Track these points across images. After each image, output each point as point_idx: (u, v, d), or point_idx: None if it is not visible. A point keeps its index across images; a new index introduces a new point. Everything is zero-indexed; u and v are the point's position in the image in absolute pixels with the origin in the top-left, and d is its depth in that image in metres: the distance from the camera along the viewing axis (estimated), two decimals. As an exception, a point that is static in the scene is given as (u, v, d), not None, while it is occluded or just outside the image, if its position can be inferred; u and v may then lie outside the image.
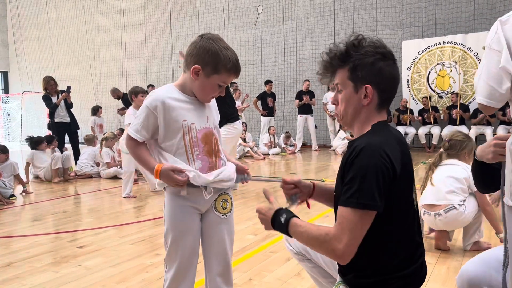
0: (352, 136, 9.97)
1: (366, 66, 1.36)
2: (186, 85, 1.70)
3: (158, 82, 13.99)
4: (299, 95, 10.91)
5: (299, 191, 1.62)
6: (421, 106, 10.34)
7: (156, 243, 3.37)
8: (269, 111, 11.08)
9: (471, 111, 9.60)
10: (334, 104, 1.49)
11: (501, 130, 8.86)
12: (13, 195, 5.36)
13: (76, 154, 7.87)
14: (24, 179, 6.13)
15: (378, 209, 1.25)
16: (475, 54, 9.84)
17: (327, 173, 7.04)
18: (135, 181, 6.60)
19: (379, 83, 1.37)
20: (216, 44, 1.63)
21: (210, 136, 1.73)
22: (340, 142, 9.93)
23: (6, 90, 18.54)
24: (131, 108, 5.43)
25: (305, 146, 11.70)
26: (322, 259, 1.71)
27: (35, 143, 6.93)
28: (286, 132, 11.25)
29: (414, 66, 10.52)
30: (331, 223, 1.51)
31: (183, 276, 1.72)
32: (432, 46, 10.38)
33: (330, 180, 6.28)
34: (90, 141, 7.70)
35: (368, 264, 1.35)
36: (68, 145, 7.95)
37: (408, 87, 10.50)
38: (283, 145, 10.86)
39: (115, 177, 7.05)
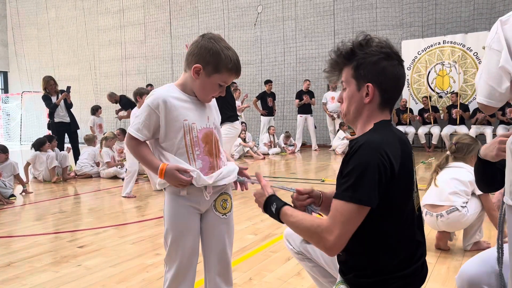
0: (352, 135, 9.99)
1: (369, 64, 1.37)
2: (187, 85, 1.70)
3: (158, 82, 13.98)
4: (299, 95, 10.91)
5: (314, 201, 1.59)
6: (420, 105, 10.34)
7: (156, 243, 3.37)
8: (269, 111, 11.08)
9: (471, 110, 9.60)
10: (339, 102, 1.50)
11: (500, 130, 8.86)
12: (13, 195, 5.36)
13: (76, 154, 7.86)
14: (24, 179, 6.13)
15: (372, 205, 1.26)
16: (475, 54, 9.84)
17: (326, 173, 7.04)
18: (135, 181, 6.60)
19: (381, 82, 1.38)
20: (217, 43, 1.63)
21: (211, 136, 1.73)
22: (339, 142, 9.93)
23: (5, 90, 18.53)
24: (135, 108, 5.44)
25: (305, 146, 11.70)
26: (322, 259, 1.71)
27: (38, 144, 6.89)
28: (286, 132, 11.25)
29: (414, 66, 10.52)
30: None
31: (183, 276, 1.72)
32: (432, 46, 10.38)
33: (330, 180, 6.28)
34: (90, 141, 7.69)
35: (368, 264, 1.35)
36: (68, 145, 7.94)
37: (408, 87, 10.50)
38: (283, 145, 10.86)
39: (115, 177, 7.05)
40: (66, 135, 7.92)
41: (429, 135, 10.14)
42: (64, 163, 6.98)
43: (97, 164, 7.38)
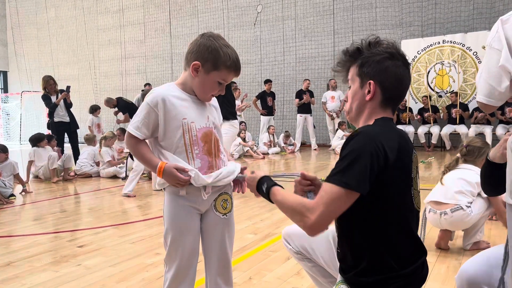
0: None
1: (372, 63, 1.41)
2: (187, 83, 1.70)
3: (158, 82, 13.98)
4: (299, 94, 10.91)
5: (314, 189, 1.59)
6: (420, 105, 10.35)
7: (156, 243, 3.37)
8: (268, 111, 11.08)
9: (471, 110, 9.61)
10: (345, 101, 1.54)
11: (500, 130, 8.87)
12: (12, 195, 5.36)
13: (76, 153, 7.86)
14: (24, 178, 6.13)
15: (360, 191, 1.26)
16: (475, 53, 9.84)
17: (326, 173, 7.02)
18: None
19: (383, 80, 1.40)
20: (216, 41, 1.64)
21: (210, 135, 1.73)
22: (339, 141, 9.94)
23: (5, 89, 18.52)
24: None
25: (305, 146, 11.70)
26: (322, 259, 1.70)
27: (36, 140, 6.92)
28: (286, 131, 11.25)
29: (414, 66, 10.52)
30: (332, 223, 1.52)
31: (183, 276, 1.72)
32: (431, 45, 10.39)
33: (330, 180, 6.28)
34: (90, 140, 7.69)
35: (368, 262, 1.35)
36: (67, 145, 7.94)
37: (408, 86, 10.50)
38: (282, 145, 10.86)
39: (114, 177, 7.05)
40: (66, 135, 7.92)
41: (428, 134, 10.15)
42: (67, 164, 6.98)
43: (97, 164, 7.38)
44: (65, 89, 7.88)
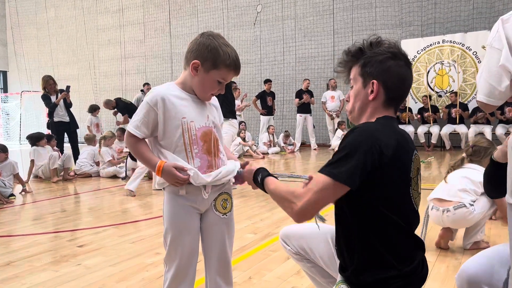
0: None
1: (375, 63, 1.42)
2: (187, 82, 1.70)
3: (157, 81, 13.98)
4: (299, 94, 10.91)
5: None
6: (420, 105, 10.35)
7: (155, 242, 3.37)
8: (268, 110, 11.08)
9: (470, 110, 9.61)
10: (347, 100, 1.55)
11: (499, 129, 8.87)
12: (12, 194, 5.36)
13: (76, 153, 7.86)
14: (24, 178, 6.13)
15: (349, 185, 1.29)
16: (474, 53, 9.84)
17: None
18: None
19: (386, 80, 1.41)
20: (216, 40, 1.64)
21: (210, 134, 1.72)
22: (338, 141, 9.92)
23: (5, 89, 18.52)
24: None
25: (304, 145, 11.70)
26: (321, 259, 1.69)
27: (35, 139, 6.93)
28: (285, 131, 11.25)
29: (413, 65, 10.52)
30: (331, 222, 1.52)
31: (183, 276, 1.71)
32: (431, 45, 10.39)
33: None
34: (90, 140, 7.69)
35: (368, 261, 1.36)
36: (67, 145, 7.94)
37: (408, 86, 10.51)
38: (282, 144, 10.86)
39: (114, 176, 7.05)
40: (65, 135, 7.92)
41: (428, 134, 10.15)
42: (67, 163, 6.98)
43: (97, 164, 7.38)
44: (64, 89, 7.87)
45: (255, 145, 10.36)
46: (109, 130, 8.70)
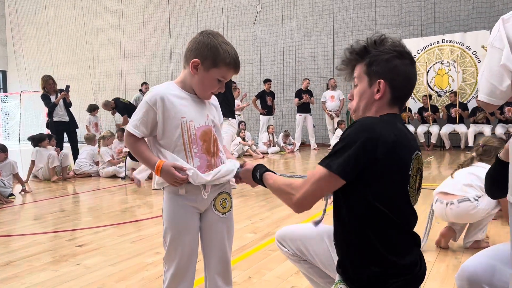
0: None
1: (381, 62, 1.41)
2: (186, 82, 1.70)
3: (157, 81, 13.97)
4: (299, 94, 10.91)
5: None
6: (419, 104, 10.35)
7: (155, 242, 3.37)
8: (268, 110, 11.08)
9: (470, 109, 9.61)
10: (350, 99, 1.54)
11: (499, 129, 8.88)
12: (12, 194, 5.36)
13: (75, 153, 7.86)
14: (24, 178, 6.12)
15: (342, 176, 1.32)
16: (474, 53, 9.84)
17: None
18: (134, 180, 6.60)
19: (392, 79, 1.41)
20: (215, 38, 1.63)
21: (209, 134, 1.72)
22: (337, 140, 9.94)
23: (4, 89, 18.51)
24: None
25: (304, 145, 11.70)
26: (318, 259, 1.68)
27: (38, 140, 6.90)
28: (285, 131, 11.25)
29: (414, 65, 10.52)
30: (330, 222, 1.52)
31: (183, 275, 1.71)
32: (431, 44, 10.39)
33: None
34: (90, 139, 7.67)
35: (366, 259, 1.36)
36: (66, 144, 7.94)
37: (407, 85, 10.51)
38: (282, 144, 10.86)
39: (114, 176, 7.05)
40: (65, 134, 7.92)
41: (428, 134, 10.15)
42: (64, 162, 6.97)
43: (96, 163, 7.37)
44: (64, 89, 7.87)
45: (254, 145, 10.36)
46: (108, 129, 8.69)
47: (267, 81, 11.14)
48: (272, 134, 10.79)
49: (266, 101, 11.02)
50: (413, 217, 1.44)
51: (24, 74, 17.33)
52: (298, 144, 11.03)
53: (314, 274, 1.76)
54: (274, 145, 10.74)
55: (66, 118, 7.85)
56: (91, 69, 16.19)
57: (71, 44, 16.64)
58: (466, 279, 1.54)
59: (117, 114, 9.79)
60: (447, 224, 3.08)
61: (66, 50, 16.75)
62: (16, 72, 17.80)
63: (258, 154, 9.80)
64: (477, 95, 1.44)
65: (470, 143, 9.26)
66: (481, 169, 2.93)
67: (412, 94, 10.50)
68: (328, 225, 1.78)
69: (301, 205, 1.41)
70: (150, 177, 6.74)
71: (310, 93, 10.88)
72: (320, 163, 1.37)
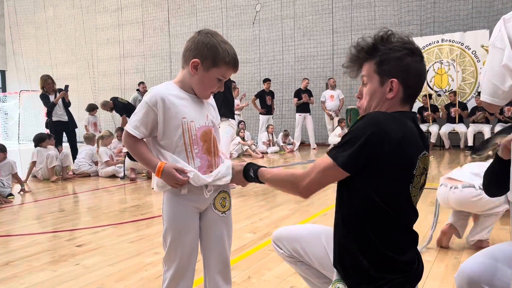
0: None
1: (393, 60, 1.38)
2: (185, 81, 1.69)
3: (156, 81, 13.97)
4: (298, 94, 10.91)
5: None
6: (419, 104, 10.34)
7: (154, 242, 3.36)
8: (267, 110, 11.08)
9: (469, 109, 9.62)
10: (358, 97, 1.51)
11: (498, 129, 8.87)
12: (11, 194, 5.35)
13: (74, 153, 7.85)
14: (23, 178, 6.11)
15: (344, 168, 1.34)
16: (473, 52, 9.84)
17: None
18: (133, 179, 6.60)
19: (405, 78, 1.39)
20: (214, 38, 1.63)
21: (210, 134, 1.72)
22: (336, 139, 9.94)
23: (3, 89, 18.49)
24: None
25: (304, 145, 11.70)
26: (316, 260, 1.67)
27: (38, 140, 6.89)
28: (285, 130, 11.25)
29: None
30: (330, 222, 1.51)
31: (182, 275, 1.71)
32: (430, 44, 10.39)
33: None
34: (89, 139, 7.66)
35: (363, 255, 1.36)
36: (66, 144, 7.93)
37: (407, 85, 10.51)
38: (281, 144, 10.86)
39: (113, 176, 7.04)
40: (64, 134, 7.91)
41: (427, 133, 10.15)
42: (65, 162, 6.96)
43: (95, 163, 7.36)
44: (63, 88, 7.86)
45: (254, 145, 10.35)
46: (107, 129, 8.68)
47: (266, 80, 11.14)
48: (272, 134, 10.79)
49: (265, 100, 11.01)
50: (414, 216, 1.44)
51: (23, 74, 17.31)
52: (297, 143, 11.03)
53: (311, 275, 1.75)
54: (273, 145, 10.73)
55: (65, 118, 7.85)
56: (90, 68, 16.18)
57: (70, 43, 16.63)
58: (465, 279, 1.54)
59: (116, 114, 9.79)
60: (448, 222, 3.08)
61: (65, 50, 16.73)
62: (15, 72, 17.79)
63: (257, 154, 9.80)
64: (476, 95, 1.44)
65: (470, 143, 9.26)
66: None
67: (412, 94, 10.55)
68: (324, 225, 1.78)
69: (308, 191, 1.44)
70: (149, 177, 6.75)
71: (309, 93, 10.88)
72: (328, 153, 1.38)
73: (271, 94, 11.21)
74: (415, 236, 1.44)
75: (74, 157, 7.68)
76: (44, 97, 7.71)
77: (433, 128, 9.88)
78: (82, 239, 3.52)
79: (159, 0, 14.62)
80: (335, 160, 1.35)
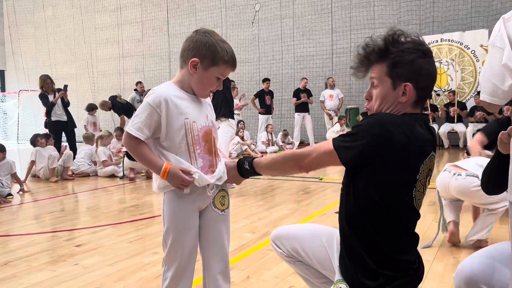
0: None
1: (406, 63, 1.36)
2: (185, 81, 1.69)
3: (155, 80, 13.97)
4: (297, 93, 10.90)
5: None
6: (418, 103, 10.35)
7: (153, 242, 3.36)
8: (266, 109, 11.07)
9: (468, 108, 9.62)
10: (367, 99, 1.48)
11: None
12: (10, 194, 5.35)
13: (73, 152, 7.84)
14: (22, 178, 6.11)
15: (342, 160, 1.36)
16: (472, 52, 9.85)
17: (324, 171, 7.04)
18: (132, 179, 6.59)
19: (418, 80, 1.37)
20: (212, 37, 1.63)
21: (210, 134, 1.72)
22: (333, 135, 9.94)
23: (2, 88, 18.47)
24: None
25: (303, 144, 11.69)
26: (316, 260, 1.66)
27: (31, 141, 6.91)
28: (284, 130, 11.25)
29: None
30: (329, 222, 1.51)
31: (182, 275, 1.71)
32: (429, 43, 10.38)
33: (328, 178, 6.29)
34: (89, 139, 7.65)
35: (365, 255, 1.36)
36: (65, 144, 7.92)
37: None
38: (280, 143, 10.85)
39: (112, 176, 7.04)
40: (63, 134, 7.90)
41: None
42: (67, 163, 6.94)
43: (94, 163, 7.35)
44: (62, 88, 7.86)
45: (253, 144, 10.35)
46: (106, 129, 8.67)
47: (265, 80, 11.13)
48: (271, 134, 10.79)
49: (264, 100, 11.01)
50: (416, 218, 1.44)
51: (22, 74, 17.29)
52: (296, 143, 11.02)
53: (310, 275, 1.74)
54: (273, 145, 10.73)
55: (64, 118, 7.84)
56: (89, 68, 16.16)
57: (69, 43, 16.61)
58: (463, 278, 1.53)
59: (116, 114, 9.79)
60: (449, 220, 3.09)
61: (64, 50, 16.72)
62: (14, 72, 17.77)
63: (257, 154, 9.80)
64: (475, 94, 1.44)
65: (469, 142, 9.26)
66: None
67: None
68: (324, 225, 1.78)
69: (309, 168, 1.48)
70: (148, 177, 6.75)
71: (308, 92, 10.88)
72: (333, 141, 1.39)
73: (270, 93, 11.20)
74: (416, 237, 1.44)
75: (73, 157, 7.68)
76: (43, 97, 7.70)
77: (432, 128, 9.88)
78: (81, 239, 3.52)
79: (158, -1, 14.62)
80: (336, 151, 1.37)
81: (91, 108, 9.75)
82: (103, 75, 15.94)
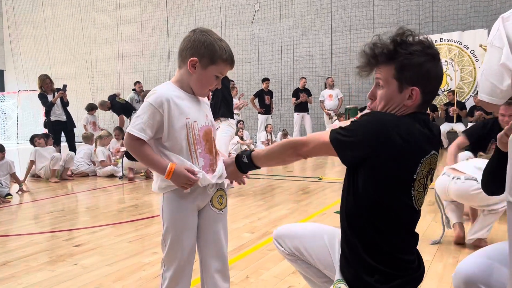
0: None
1: (414, 67, 1.34)
2: (184, 81, 1.69)
3: (155, 80, 13.96)
4: (296, 93, 10.91)
5: None
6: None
7: (152, 242, 3.36)
8: (266, 109, 11.07)
9: (468, 108, 9.63)
10: (370, 98, 1.47)
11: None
12: (9, 194, 5.34)
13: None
14: (22, 178, 6.10)
15: (339, 156, 1.39)
16: (472, 52, 9.85)
17: (324, 171, 7.05)
18: (131, 179, 6.59)
19: (425, 85, 1.36)
20: (210, 36, 1.64)
21: (210, 133, 1.73)
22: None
23: (2, 88, 18.46)
24: None
25: (302, 144, 11.70)
26: (317, 259, 1.66)
27: (30, 141, 6.90)
28: (283, 130, 11.25)
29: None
30: (329, 222, 1.51)
31: (181, 275, 1.71)
32: (429, 43, 10.39)
33: (328, 178, 6.29)
34: (88, 138, 7.64)
35: (365, 256, 1.36)
36: (64, 144, 7.91)
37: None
38: (280, 143, 10.85)
39: (111, 176, 7.03)
40: (62, 134, 7.90)
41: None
42: (68, 164, 6.93)
43: (94, 163, 7.34)
44: (61, 88, 7.85)
45: (253, 144, 10.35)
46: (105, 129, 8.67)
47: (265, 80, 11.13)
48: (270, 133, 10.79)
49: (264, 100, 11.01)
50: (416, 218, 1.43)
51: (21, 73, 17.28)
52: (296, 143, 11.03)
53: (312, 274, 1.74)
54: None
55: (64, 118, 7.84)
56: (88, 68, 16.15)
57: (68, 43, 16.60)
58: (462, 278, 1.53)
59: (115, 114, 9.79)
60: (454, 222, 3.09)
61: (63, 49, 16.71)
62: (13, 71, 17.76)
63: (256, 153, 9.79)
64: (475, 94, 1.44)
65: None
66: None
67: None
68: (326, 225, 1.78)
69: (306, 155, 1.52)
70: (147, 177, 6.74)
71: (307, 92, 10.88)
72: (331, 132, 1.40)
73: (270, 93, 11.21)
74: (416, 238, 1.44)
75: (73, 157, 7.68)
76: (42, 97, 7.70)
77: (432, 128, 9.88)
78: (80, 239, 3.52)
79: (158, -1, 14.62)
80: (332, 144, 1.38)
81: (91, 108, 9.74)
82: (103, 75, 15.93)
